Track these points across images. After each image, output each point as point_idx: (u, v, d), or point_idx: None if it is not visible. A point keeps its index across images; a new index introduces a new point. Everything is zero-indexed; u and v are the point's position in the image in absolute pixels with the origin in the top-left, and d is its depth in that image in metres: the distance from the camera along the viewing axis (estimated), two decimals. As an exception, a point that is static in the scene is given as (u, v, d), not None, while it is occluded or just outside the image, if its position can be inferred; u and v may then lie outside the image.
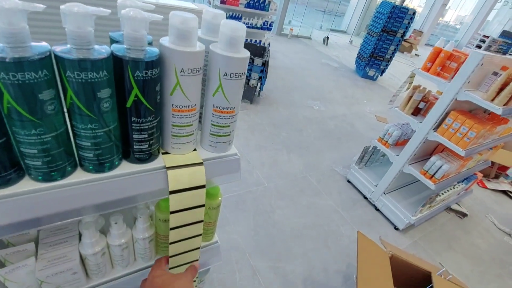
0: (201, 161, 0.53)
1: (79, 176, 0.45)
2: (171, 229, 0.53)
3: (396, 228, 2.23)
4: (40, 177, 0.42)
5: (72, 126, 0.41)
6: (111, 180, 0.47)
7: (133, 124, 0.45)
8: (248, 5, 4.20)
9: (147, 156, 0.50)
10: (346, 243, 2.00)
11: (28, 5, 0.29)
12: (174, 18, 0.40)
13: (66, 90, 0.36)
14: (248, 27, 4.40)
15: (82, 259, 0.59)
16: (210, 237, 0.79)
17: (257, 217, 2.03)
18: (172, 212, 0.50)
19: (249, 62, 3.13)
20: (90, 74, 0.35)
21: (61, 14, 0.31)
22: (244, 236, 1.87)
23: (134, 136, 0.46)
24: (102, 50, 0.36)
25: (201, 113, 0.56)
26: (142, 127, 0.45)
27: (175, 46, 0.41)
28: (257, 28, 4.46)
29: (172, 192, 0.49)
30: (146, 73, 0.39)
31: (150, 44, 0.45)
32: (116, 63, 0.38)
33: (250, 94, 3.45)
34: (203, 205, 0.54)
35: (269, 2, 4.27)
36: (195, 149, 0.56)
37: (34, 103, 0.34)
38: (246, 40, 4.35)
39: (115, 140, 0.45)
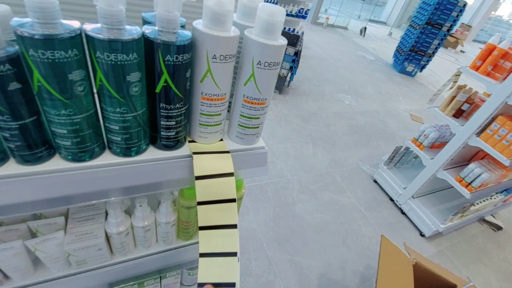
0: (227, 149, 0.52)
1: (107, 158, 0.45)
2: (200, 228, 0.48)
3: (422, 235, 2.11)
4: (69, 157, 0.42)
5: (101, 108, 0.40)
6: (137, 165, 0.46)
7: (161, 110, 0.43)
8: (284, -9, 4.07)
9: (174, 143, 0.49)
10: (366, 244, 1.93)
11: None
12: (208, 0, 0.37)
13: (96, 72, 0.35)
14: (282, 13, 4.27)
15: (107, 237, 0.61)
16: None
17: (277, 209, 2.02)
18: (200, 203, 0.48)
19: (281, 51, 3.04)
20: (120, 56, 0.34)
21: (94, -8, 0.30)
22: (263, 226, 1.87)
23: (162, 123, 0.45)
24: (133, 31, 0.34)
25: (230, 102, 0.53)
26: (170, 114, 0.44)
27: (209, 30, 0.38)
28: (291, 15, 4.32)
29: (198, 178, 0.48)
30: (177, 58, 0.37)
31: (183, 27, 0.42)
32: (147, 45, 0.36)
33: (279, 84, 3.38)
34: (234, 200, 0.51)
35: (306, -12, 4.10)
36: (221, 140, 0.54)
37: (64, 83, 0.34)
38: (279, 27, 4.22)
39: (143, 125, 0.44)
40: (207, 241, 0.48)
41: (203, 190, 0.47)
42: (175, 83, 0.40)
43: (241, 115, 0.51)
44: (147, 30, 0.37)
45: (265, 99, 0.49)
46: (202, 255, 0.48)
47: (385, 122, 3.57)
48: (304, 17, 4.35)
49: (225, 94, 0.46)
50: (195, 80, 0.43)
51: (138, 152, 0.47)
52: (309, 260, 1.74)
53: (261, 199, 2.05)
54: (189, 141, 0.52)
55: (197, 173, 0.47)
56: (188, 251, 0.75)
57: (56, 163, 0.42)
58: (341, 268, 1.74)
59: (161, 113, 0.44)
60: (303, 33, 4.61)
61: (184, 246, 0.74)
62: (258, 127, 0.53)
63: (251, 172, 0.57)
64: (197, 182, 0.47)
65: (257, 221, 1.90)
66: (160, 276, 0.82)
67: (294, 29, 4.47)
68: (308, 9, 4.32)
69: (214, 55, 0.40)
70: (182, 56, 0.38)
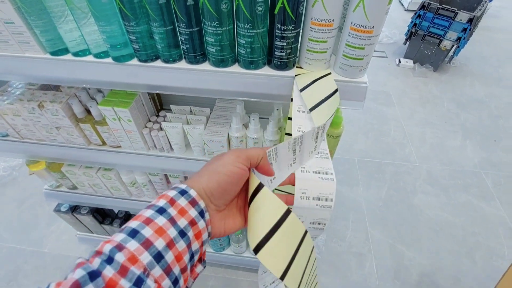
0: (329, 72, 0.58)
1: (236, 68, 0.61)
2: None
3: None
4: (212, 63, 0.60)
5: (236, 26, 0.55)
6: (254, 76, 0.60)
7: (277, 31, 0.54)
8: None
9: (284, 65, 0.59)
10: (503, 267, 1.52)
11: None
12: None
13: (235, -8, 0.49)
14: (467, -28, 3.38)
15: (229, 139, 0.82)
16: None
17: (392, 192, 1.86)
18: (301, 89, 0.56)
19: (449, 17, 2.52)
20: (253, -23, 0.45)
21: None
22: (370, 203, 1.80)
23: (276, 43, 0.56)
24: (265, -43, 0.45)
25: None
26: (283, 35, 0.54)
27: (324, -47, 0.44)
28: (481, -27, 3.35)
29: (302, 90, 0.57)
30: (293, -20, 0.46)
31: (307, -43, 0.50)
32: (273, -30, 0.46)
33: (437, 59, 2.84)
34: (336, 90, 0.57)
35: None
36: (327, 70, 0.60)
37: (216, 1, 0.49)
38: (459, -10, 3.43)
39: (262, 45, 0.56)
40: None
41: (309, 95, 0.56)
42: (290, 5, 0.49)
43: (346, 44, 0.55)
44: (276, -42, 0.47)
45: (373, 28, 0.50)
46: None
47: None
48: (501, -25, 3.29)
49: (332, 21, 0.51)
50: (308, 5, 0.51)
51: (256, 68, 0.60)
52: (414, 253, 1.57)
53: (375, 177, 1.94)
54: (297, 67, 0.61)
55: (300, 86, 0.56)
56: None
57: (205, 66, 0.61)
58: (454, 279, 1.48)
59: (277, 34, 0.54)
60: (493, -4, 3.54)
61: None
62: (362, 59, 0.56)
63: (348, 104, 0.61)
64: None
65: (365, 196, 1.83)
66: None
67: (480, -8, 3.48)
68: (512, -37, 3.21)
69: (326, -22, 0.46)
70: (298, -21, 0.46)
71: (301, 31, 0.56)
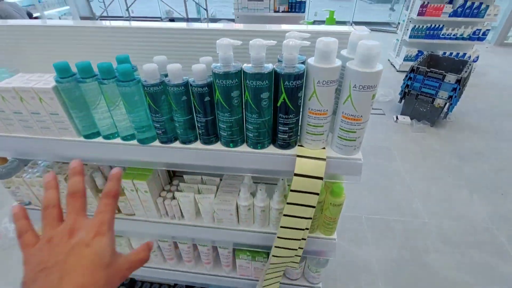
0: (324, 157, 0.65)
1: (244, 148, 0.69)
2: (287, 203, 0.67)
3: None
4: (224, 143, 0.69)
5: (245, 115, 0.64)
6: (260, 155, 0.68)
7: (279, 119, 0.63)
8: (454, 14, 3.59)
9: (286, 145, 0.67)
10: (538, 338, 1.39)
11: (233, 42, 0.54)
12: (319, 43, 0.54)
13: (244, 92, 0.59)
14: (449, 38, 3.77)
15: (237, 207, 0.87)
16: (330, 232, 0.87)
17: (403, 251, 1.80)
18: (292, 191, 0.65)
19: (439, 79, 2.72)
20: (259, 82, 0.56)
21: (249, 47, 0.54)
22: (382, 263, 1.73)
23: (279, 128, 0.65)
24: (269, 67, 0.56)
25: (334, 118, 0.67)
26: (285, 122, 0.63)
27: (316, 63, 0.55)
28: (462, 39, 3.73)
29: (296, 175, 0.64)
30: (292, 83, 0.56)
31: (303, 62, 0.61)
32: (275, 75, 0.57)
33: (432, 116, 2.99)
34: (317, 193, 0.65)
35: (487, 7, 3.44)
36: (324, 148, 0.68)
37: (229, 98, 0.59)
38: (444, 53, 3.76)
39: (267, 128, 0.65)
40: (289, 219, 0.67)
41: (298, 183, 0.64)
42: (290, 100, 0.59)
43: (340, 129, 0.63)
44: (277, 66, 0.58)
45: (361, 117, 0.59)
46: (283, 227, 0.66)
47: None
48: (480, 39, 3.65)
49: (326, 110, 0.61)
50: (305, 99, 0.61)
51: (262, 147, 0.68)
52: (436, 321, 1.45)
53: (384, 235, 1.90)
54: (298, 145, 0.69)
55: (296, 171, 0.64)
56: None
57: (218, 146, 0.70)
58: None
59: (279, 121, 0.63)
60: (477, 57, 3.86)
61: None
62: (355, 140, 0.63)
63: (346, 178, 0.67)
64: (295, 178, 0.63)
65: (375, 255, 1.78)
66: (268, 253, 1.01)
67: (464, 54, 3.83)
68: (488, 30, 3.59)
69: (319, 80, 0.56)
70: (296, 82, 0.56)
71: (300, 117, 0.65)
